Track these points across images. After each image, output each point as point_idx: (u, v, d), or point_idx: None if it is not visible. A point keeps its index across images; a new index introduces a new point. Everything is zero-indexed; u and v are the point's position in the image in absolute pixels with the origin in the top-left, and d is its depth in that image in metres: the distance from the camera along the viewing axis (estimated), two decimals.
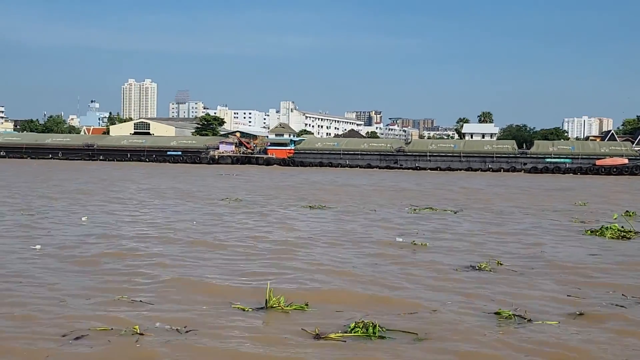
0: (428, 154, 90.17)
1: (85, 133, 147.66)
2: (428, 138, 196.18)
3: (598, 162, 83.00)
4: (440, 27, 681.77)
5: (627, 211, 25.83)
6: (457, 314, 9.69)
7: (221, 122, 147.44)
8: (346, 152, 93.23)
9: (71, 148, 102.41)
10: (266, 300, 9.83)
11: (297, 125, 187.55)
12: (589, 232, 19.28)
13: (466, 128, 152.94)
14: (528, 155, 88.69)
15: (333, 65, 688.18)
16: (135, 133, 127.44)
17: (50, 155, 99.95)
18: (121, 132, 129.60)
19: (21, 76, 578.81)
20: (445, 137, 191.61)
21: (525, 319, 9.41)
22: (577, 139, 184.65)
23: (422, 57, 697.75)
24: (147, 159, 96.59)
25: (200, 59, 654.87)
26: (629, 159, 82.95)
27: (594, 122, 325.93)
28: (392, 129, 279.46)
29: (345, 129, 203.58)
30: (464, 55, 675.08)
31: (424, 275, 12.55)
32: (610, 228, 18.86)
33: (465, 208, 27.77)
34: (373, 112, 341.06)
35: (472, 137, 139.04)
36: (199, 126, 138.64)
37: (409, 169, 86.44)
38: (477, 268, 13.10)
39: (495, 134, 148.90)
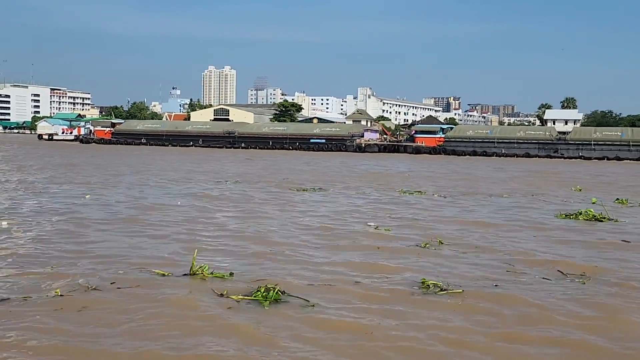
0: (592, 142, 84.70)
1: (167, 119, 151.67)
2: (509, 124, 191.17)
3: None
4: (521, 12, 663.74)
5: (618, 198, 25.35)
6: (373, 286, 10.25)
7: (299, 108, 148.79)
8: (501, 140, 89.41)
9: (212, 135, 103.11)
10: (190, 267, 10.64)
11: (374, 112, 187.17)
12: (562, 215, 19.36)
13: (548, 114, 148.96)
14: None
15: (410, 51, 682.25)
16: (214, 119, 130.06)
17: (191, 143, 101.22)
18: (201, 119, 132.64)
19: (106, 64, 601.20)
20: (527, 124, 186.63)
21: (441, 288, 9.98)
22: None
23: (501, 42, 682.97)
24: (289, 147, 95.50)
25: (278, 46, 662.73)
26: None
27: None
28: (471, 115, 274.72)
29: (423, 115, 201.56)
30: (545, 40, 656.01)
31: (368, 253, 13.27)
32: (585, 213, 19.02)
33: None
34: (452, 98, 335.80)
35: (554, 124, 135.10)
36: (277, 112, 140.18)
37: (571, 158, 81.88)
38: (420, 246, 13.75)
39: (579, 120, 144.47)
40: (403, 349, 7.49)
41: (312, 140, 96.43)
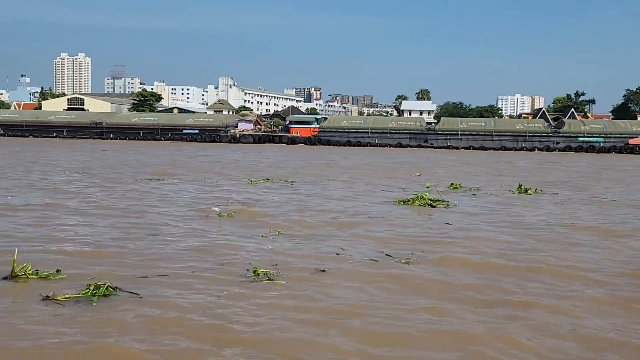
0: (459, 132, 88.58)
1: (15, 108, 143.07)
2: (368, 115, 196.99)
3: (631, 141, 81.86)
4: (379, 5, 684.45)
5: (452, 183, 27.26)
6: (207, 275, 10.46)
7: (158, 98, 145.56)
8: (374, 131, 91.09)
9: (78, 126, 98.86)
10: (12, 269, 10.02)
11: (236, 102, 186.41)
12: (400, 202, 20.41)
13: (405, 105, 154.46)
14: (561, 134, 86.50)
15: (272, 41, 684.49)
16: (68, 109, 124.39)
17: (54, 134, 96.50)
18: (54, 108, 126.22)
19: None
20: (385, 114, 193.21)
21: (269, 277, 10.34)
22: (511, 116, 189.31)
23: (361, 34, 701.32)
24: (162, 138, 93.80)
25: (136, 33, 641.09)
26: None
27: (527, 99, 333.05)
28: (331, 105, 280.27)
29: (285, 105, 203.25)
30: (402, 33, 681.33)
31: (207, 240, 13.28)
32: (421, 198, 20.12)
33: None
34: (313, 89, 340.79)
35: (410, 114, 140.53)
36: (136, 102, 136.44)
37: (440, 148, 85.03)
38: (261, 235, 14.09)
39: (432, 111, 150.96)
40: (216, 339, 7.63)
41: (185, 131, 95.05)
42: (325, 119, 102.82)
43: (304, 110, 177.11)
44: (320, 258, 12.00)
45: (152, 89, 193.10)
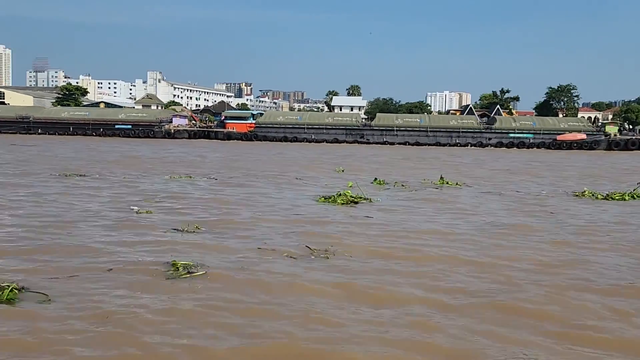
0: (395, 128, 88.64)
1: None
2: (299, 110, 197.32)
3: (559, 138, 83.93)
4: (313, 3, 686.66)
5: (376, 178, 27.55)
6: (124, 272, 10.31)
7: (84, 92, 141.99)
8: (311, 126, 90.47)
9: (2, 120, 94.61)
10: None
11: (165, 97, 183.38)
12: (322, 199, 20.30)
13: (335, 100, 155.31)
14: (492, 130, 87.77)
15: (202, 36, 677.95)
16: None
17: None
18: None
19: None
20: (316, 110, 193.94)
21: (188, 271, 10.29)
22: (439, 112, 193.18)
23: (292, 30, 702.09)
24: (93, 133, 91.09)
25: (60, 26, 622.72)
26: (587, 134, 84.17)
27: (455, 96, 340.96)
28: (262, 101, 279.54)
29: (215, 101, 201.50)
30: (332, 29, 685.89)
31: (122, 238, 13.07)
32: (343, 195, 20.11)
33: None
34: (243, 84, 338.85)
35: (341, 110, 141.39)
36: (60, 96, 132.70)
37: (377, 143, 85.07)
38: (180, 230, 14.05)
39: (363, 106, 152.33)
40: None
41: (117, 127, 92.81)
42: (261, 114, 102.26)
43: (234, 106, 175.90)
44: (241, 252, 12.00)
45: (77, 82, 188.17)
